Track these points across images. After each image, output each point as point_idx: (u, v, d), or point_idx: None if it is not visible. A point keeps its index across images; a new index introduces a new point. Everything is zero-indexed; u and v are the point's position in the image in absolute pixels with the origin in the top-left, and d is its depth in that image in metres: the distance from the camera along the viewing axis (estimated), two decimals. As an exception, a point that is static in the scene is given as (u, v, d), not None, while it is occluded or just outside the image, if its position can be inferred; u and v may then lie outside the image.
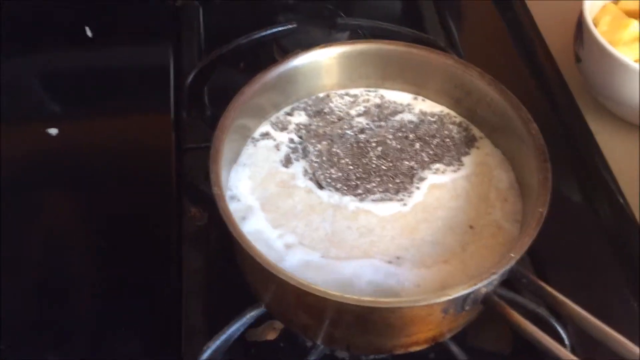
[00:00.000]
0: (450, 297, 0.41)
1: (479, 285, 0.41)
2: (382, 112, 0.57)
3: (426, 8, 0.78)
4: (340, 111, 0.57)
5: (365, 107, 0.58)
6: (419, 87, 0.58)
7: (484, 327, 0.53)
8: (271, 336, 0.54)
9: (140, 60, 0.72)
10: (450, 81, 0.55)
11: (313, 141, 0.55)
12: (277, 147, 0.55)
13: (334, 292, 0.41)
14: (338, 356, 0.53)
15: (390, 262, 0.47)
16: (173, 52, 0.72)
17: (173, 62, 0.71)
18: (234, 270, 0.55)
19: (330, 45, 0.55)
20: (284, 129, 0.56)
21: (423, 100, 0.58)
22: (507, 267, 0.42)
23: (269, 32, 0.71)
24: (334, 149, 0.54)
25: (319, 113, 0.57)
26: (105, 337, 0.53)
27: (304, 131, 0.56)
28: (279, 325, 0.54)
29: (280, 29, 0.71)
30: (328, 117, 0.56)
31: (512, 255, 0.42)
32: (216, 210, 0.57)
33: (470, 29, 0.78)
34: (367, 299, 0.41)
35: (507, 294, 0.48)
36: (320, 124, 0.56)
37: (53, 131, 0.64)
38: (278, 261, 0.46)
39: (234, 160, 0.54)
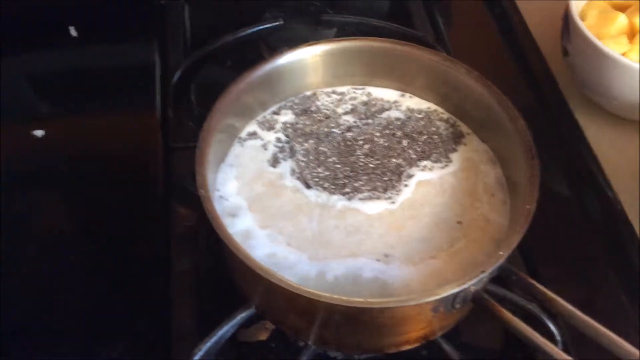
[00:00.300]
0: (439, 297, 0.41)
1: (468, 284, 0.41)
2: (369, 110, 0.57)
3: (414, 4, 0.78)
4: (327, 109, 0.57)
5: (352, 105, 0.58)
6: (405, 84, 0.57)
7: (475, 324, 0.52)
8: (263, 336, 0.54)
9: (125, 59, 0.71)
10: (437, 78, 0.54)
11: (300, 140, 0.55)
12: (264, 146, 0.54)
13: (323, 293, 0.40)
14: (330, 355, 0.52)
15: (378, 260, 0.47)
16: (159, 50, 0.71)
17: (159, 60, 0.70)
18: (223, 270, 0.55)
19: (316, 44, 0.54)
20: (271, 128, 0.55)
21: (410, 97, 0.58)
22: (496, 265, 0.42)
23: (255, 29, 0.71)
24: (321, 148, 0.54)
25: (305, 111, 0.56)
26: (93, 339, 0.52)
27: (290, 130, 0.55)
28: (270, 325, 0.53)
29: (266, 26, 0.71)
30: (315, 115, 0.56)
31: (501, 253, 0.42)
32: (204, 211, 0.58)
33: (458, 25, 0.78)
34: (356, 300, 0.40)
35: (498, 291, 0.48)
36: (307, 122, 0.56)
37: (39, 133, 0.63)
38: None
39: (222, 160, 0.53)
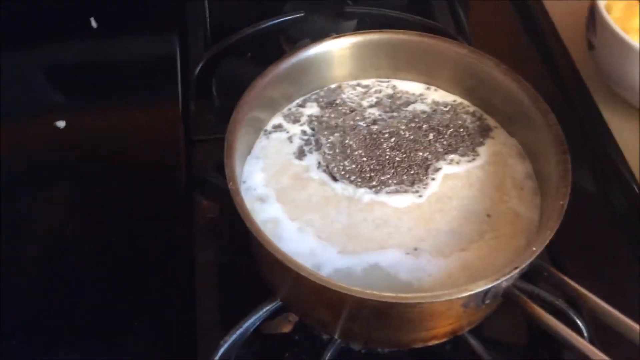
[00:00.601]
0: (471, 292, 0.41)
1: (501, 279, 0.41)
2: (395, 103, 0.57)
3: (436, -4, 0.77)
4: (352, 102, 0.57)
5: (377, 97, 0.57)
6: (431, 77, 0.57)
7: (500, 319, 0.52)
8: (286, 329, 0.54)
9: (146, 52, 0.71)
10: (464, 70, 0.54)
11: (325, 133, 0.54)
12: (290, 139, 0.54)
13: (354, 287, 0.40)
14: (354, 348, 0.52)
15: (408, 254, 0.47)
16: (179, 42, 0.71)
17: (180, 53, 0.70)
18: (246, 262, 0.55)
19: (342, 36, 0.54)
20: (296, 121, 0.55)
21: (435, 90, 0.57)
22: (529, 260, 0.42)
23: (276, 21, 0.70)
24: (347, 141, 0.54)
25: (330, 104, 0.56)
26: (117, 333, 0.52)
27: (315, 123, 0.55)
28: (294, 317, 0.53)
29: (287, 18, 0.70)
30: (340, 108, 0.56)
31: (534, 249, 0.42)
32: (228, 203, 0.58)
33: (479, 16, 0.77)
34: (387, 295, 0.40)
35: (526, 286, 0.48)
36: (332, 115, 0.55)
37: (61, 124, 0.63)
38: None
39: (247, 152, 0.53)
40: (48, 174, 0.61)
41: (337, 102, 0.56)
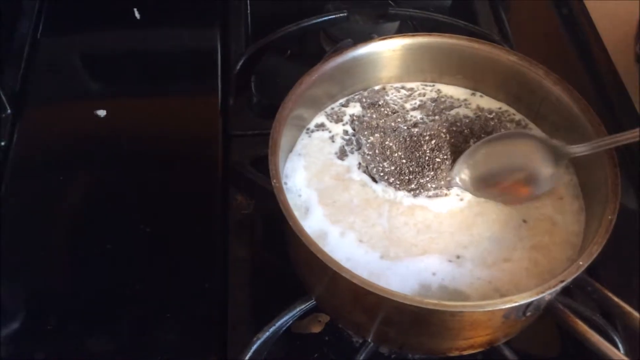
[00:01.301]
0: (515, 304, 0.40)
1: (546, 292, 0.40)
2: (438, 107, 0.56)
3: (478, 1, 0.76)
4: (395, 104, 0.56)
5: (420, 100, 0.57)
6: (477, 83, 0.56)
7: (531, 331, 0.51)
8: (316, 329, 0.53)
9: (187, 45, 0.71)
10: (512, 78, 0.53)
11: (366, 133, 0.54)
12: (332, 138, 0.54)
13: (396, 292, 0.40)
14: (384, 353, 0.52)
15: (450, 261, 0.46)
16: (220, 37, 0.71)
17: (220, 47, 0.70)
18: (279, 260, 0.55)
19: (390, 38, 0.53)
20: (338, 120, 0.55)
21: (481, 96, 0.57)
22: (576, 275, 0.41)
23: (318, 20, 0.70)
24: (387, 142, 0.53)
25: (373, 105, 0.56)
26: (149, 322, 0.53)
27: (357, 123, 0.55)
28: (324, 318, 0.53)
29: (330, 17, 0.70)
30: (382, 109, 0.55)
31: (581, 263, 0.41)
32: (263, 199, 0.58)
33: (523, 23, 0.76)
34: (429, 301, 0.39)
35: (564, 300, 0.47)
36: (374, 116, 0.55)
37: (101, 113, 0.64)
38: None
39: (289, 150, 0.53)
40: (86, 162, 0.62)
41: (380, 103, 0.56)
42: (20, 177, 0.60)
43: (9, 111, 0.64)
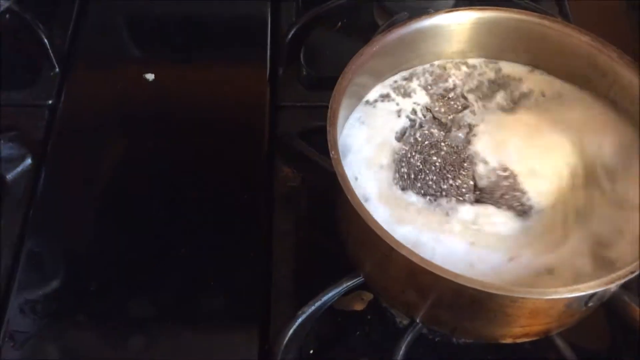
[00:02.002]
0: (580, 294, 0.38)
1: (615, 283, 0.38)
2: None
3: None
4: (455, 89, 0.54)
5: (479, 81, 0.55)
6: (541, 62, 0.54)
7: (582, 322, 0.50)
8: (359, 307, 0.52)
9: (238, 12, 0.69)
10: (583, 59, 0.51)
11: (425, 145, 0.52)
12: (398, 113, 0.52)
13: (459, 274, 0.38)
14: (427, 335, 0.51)
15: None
16: (272, 6, 0.70)
17: (271, 17, 0.69)
18: (324, 234, 0.54)
19: (457, 10, 0.51)
20: (406, 94, 0.53)
21: (541, 73, 0.54)
22: (646, 267, 0.39)
23: (373, -8, 0.68)
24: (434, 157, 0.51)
25: (442, 97, 0.53)
26: (192, 291, 0.52)
27: (426, 114, 0.53)
28: (367, 296, 0.52)
29: (385, -11, 0.67)
30: (452, 103, 0.53)
31: (651, 255, 0.39)
32: (310, 172, 0.57)
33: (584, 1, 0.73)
34: (492, 284, 0.38)
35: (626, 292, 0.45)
36: (442, 110, 0.53)
37: (150, 76, 0.63)
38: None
39: (344, 121, 0.51)
40: (131, 125, 0.61)
41: (446, 88, 0.54)
42: (66, 136, 0.60)
43: (57, 70, 0.63)
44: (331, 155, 0.43)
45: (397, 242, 0.40)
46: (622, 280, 0.39)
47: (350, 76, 0.47)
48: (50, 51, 0.63)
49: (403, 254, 0.39)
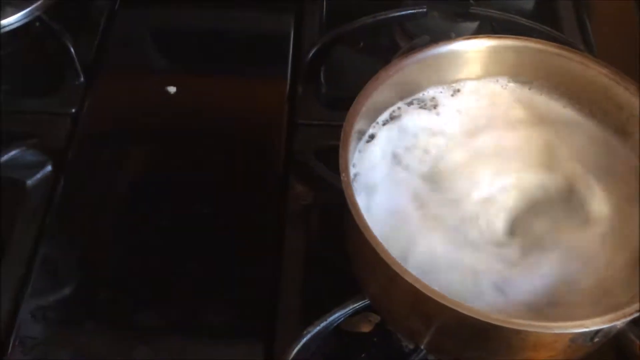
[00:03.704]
0: (585, 330, 0.38)
1: (621, 320, 0.38)
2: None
3: (563, 6, 0.73)
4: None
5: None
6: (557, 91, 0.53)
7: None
8: (365, 328, 0.52)
9: (261, 28, 0.70)
10: (601, 92, 0.50)
11: None
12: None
13: (461, 302, 0.38)
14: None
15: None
16: (295, 23, 0.70)
17: (293, 33, 0.69)
18: (334, 254, 0.53)
19: (476, 38, 0.51)
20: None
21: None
22: (655, 304, 0.38)
23: (396, 14, 0.68)
24: None
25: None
26: (199, 304, 0.52)
27: None
28: (374, 317, 0.52)
29: (408, 12, 0.68)
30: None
31: (661, 292, 0.39)
32: (323, 191, 0.57)
33: (608, 31, 0.72)
34: (495, 317, 0.38)
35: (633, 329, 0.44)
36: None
37: (172, 89, 0.64)
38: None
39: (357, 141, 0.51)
40: (151, 137, 0.62)
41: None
42: (87, 146, 0.61)
43: (82, 79, 0.64)
44: (342, 177, 0.43)
45: (402, 267, 0.40)
46: (629, 318, 0.38)
47: (363, 100, 0.47)
48: (76, 61, 0.64)
49: (407, 280, 0.39)
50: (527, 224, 0.47)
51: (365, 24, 0.68)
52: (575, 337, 0.40)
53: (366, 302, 0.48)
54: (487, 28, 0.70)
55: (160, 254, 0.55)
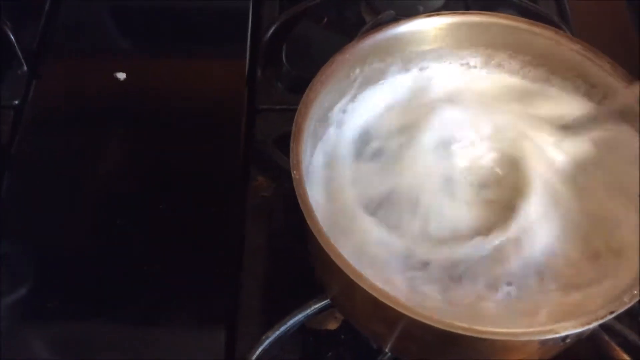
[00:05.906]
0: (554, 336, 0.35)
1: (593, 324, 0.35)
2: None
3: (536, -26, 0.69)
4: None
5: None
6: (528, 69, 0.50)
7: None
8: (332, 326, 0.50)
9: (216, 7, 0.66)
10: (573, 69, 0.47)
11: None
12: None
13: (421, 311, 0.35)
14: None
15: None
16: (253, 1, 0.66)
17: (252, 11, 0.65)
18: (297, 250, 0.51)
19: (441, 15, 0.47)
20: None
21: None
22: (629, 306, 0.36)
23: (363, -13, 0.64)
24: None
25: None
26: (157, 306, 0.50)
27: None
28: (340, 315, 0.49)
29: (373, -15, 0.64)
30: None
31: (635, 292, 0.36)
32: (286, 183, 0.53)
33: (584, 4, 0.69)
34: (459, 325, 0.35)
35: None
36: None
37: (121, 76, 0.60)
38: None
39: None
40: (101, 127, 0.58)
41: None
42: (33, 138, 0.57)
43: (25, 68, 0.61)
44: (292, 175, 0.40)
45: (358, 274, 0.37)
46: (600, 321, 0.36)
47: (319, 87, 0.44)
48: (17, 48, 0.60)
49: (362, 285, 0.36)
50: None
51: (329, -1, 0.64)
52: (545, 341, 0.37)
53: (328, 302, 0.46)
54: (457, 5, 0.66)
55: (112, 254, 0.52)
